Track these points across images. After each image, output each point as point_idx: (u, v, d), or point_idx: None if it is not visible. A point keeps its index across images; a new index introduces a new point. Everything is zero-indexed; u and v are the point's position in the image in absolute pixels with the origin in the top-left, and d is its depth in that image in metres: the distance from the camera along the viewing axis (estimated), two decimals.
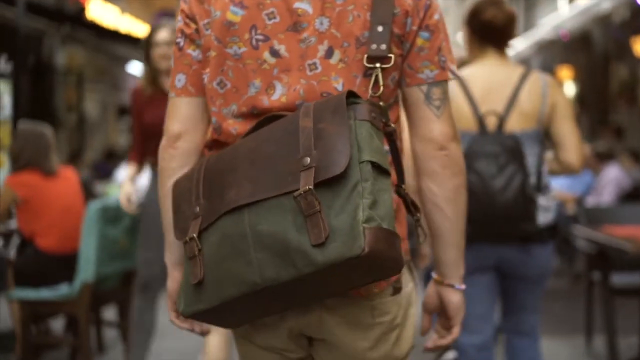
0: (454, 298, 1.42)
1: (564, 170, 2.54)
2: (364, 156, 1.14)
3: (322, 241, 1.10)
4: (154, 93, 3.47)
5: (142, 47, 3.54)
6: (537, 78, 2.49)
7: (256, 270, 1.16)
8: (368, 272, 1.15)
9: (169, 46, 3.38)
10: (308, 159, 1.15)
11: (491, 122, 2.43)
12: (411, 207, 1.34)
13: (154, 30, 3.51)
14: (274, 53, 1.31)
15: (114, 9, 10.48)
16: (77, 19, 9.96)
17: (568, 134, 2.48)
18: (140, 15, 11.32)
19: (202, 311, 1.26)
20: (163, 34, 3.45)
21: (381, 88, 1.27)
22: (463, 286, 1.43)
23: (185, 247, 1.28)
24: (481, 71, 2.52)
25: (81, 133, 12.12)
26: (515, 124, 2.44)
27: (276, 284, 1.15)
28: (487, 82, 2.48)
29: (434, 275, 1.45)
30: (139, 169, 3.59)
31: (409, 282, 1.41)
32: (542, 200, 2.43)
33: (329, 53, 1.29)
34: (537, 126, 2.46)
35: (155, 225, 3.33)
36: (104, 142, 13.15)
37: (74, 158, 8.68)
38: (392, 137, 1.29)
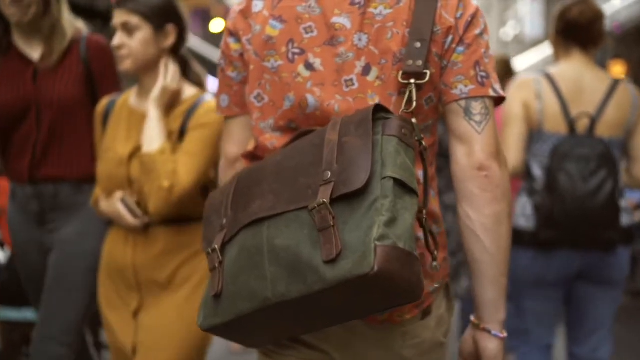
0: (490, 345, 1.31)
1: (635, 184, 2.52)
2: (386, 172, 1.10)
3: (333, 257, 1.06)
4: (3, 61, 2.38)
5: None
6: (627, 88, 2.49)
7: (269, 285, 1.13)
8: (383, 295, 1.09)
9: None
10: (329, 173, 1.13)
11: (582, 125, 2.38)
12: (429, 238, 1.23)
13: None
14: (309, 66, 1.31)
15: None
16: (108, 16, 9.83)
17: None
18: None
19: (219, 325, 1.23)
20: None
21: (414, 104, 1.22)
22: (503, 334, 1.31)
23: (208, 258, 1.26)
24: (569, 70, 2.48)
25: None
26: (604, 130, 2.41)
27: (287, 300, 1.11)
28: (576, 83, 2.45)
29: (472, 317, 1.34)
30: None
31: (441, 306, 1.37)
32: (622, 203, 2.43)
33: (367, 70, 1.28)
34: (624, 134, 2.45)
35: (39, 274, 2.41)
36: None
37: None
38: (422, 157, 1.23)
